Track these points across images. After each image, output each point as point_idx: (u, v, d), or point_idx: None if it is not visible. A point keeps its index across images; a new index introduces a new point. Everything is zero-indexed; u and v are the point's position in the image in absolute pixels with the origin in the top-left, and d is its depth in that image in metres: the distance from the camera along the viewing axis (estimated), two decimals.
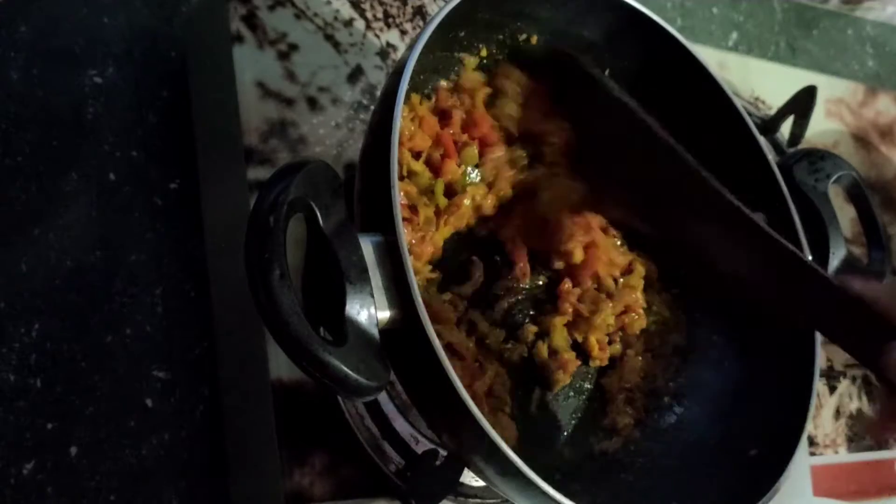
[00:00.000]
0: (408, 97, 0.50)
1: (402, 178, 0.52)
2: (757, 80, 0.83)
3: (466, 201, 0.54)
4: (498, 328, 0.55)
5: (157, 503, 0.57)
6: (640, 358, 0.59)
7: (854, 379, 0.78)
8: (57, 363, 0.56)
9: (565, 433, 0.56)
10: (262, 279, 0.37)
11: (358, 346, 0.39)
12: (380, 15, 0.65)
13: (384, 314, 0.41)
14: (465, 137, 0.55)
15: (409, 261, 0.41)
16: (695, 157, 0.59)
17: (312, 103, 0.60)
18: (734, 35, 0.92)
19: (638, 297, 0.59)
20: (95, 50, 0.62)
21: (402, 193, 0.51)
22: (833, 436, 0.75)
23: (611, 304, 0.58)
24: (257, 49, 0.59)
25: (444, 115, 0.54)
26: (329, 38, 0.62)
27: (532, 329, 0.57)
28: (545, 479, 0.42)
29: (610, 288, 0.59)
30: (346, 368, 0.38)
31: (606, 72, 0.60)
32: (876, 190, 0.86)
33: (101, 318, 0.58)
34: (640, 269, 0.60)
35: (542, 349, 0.56)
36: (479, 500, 0.57)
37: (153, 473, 0.57)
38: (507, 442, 0.41)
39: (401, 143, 0.50)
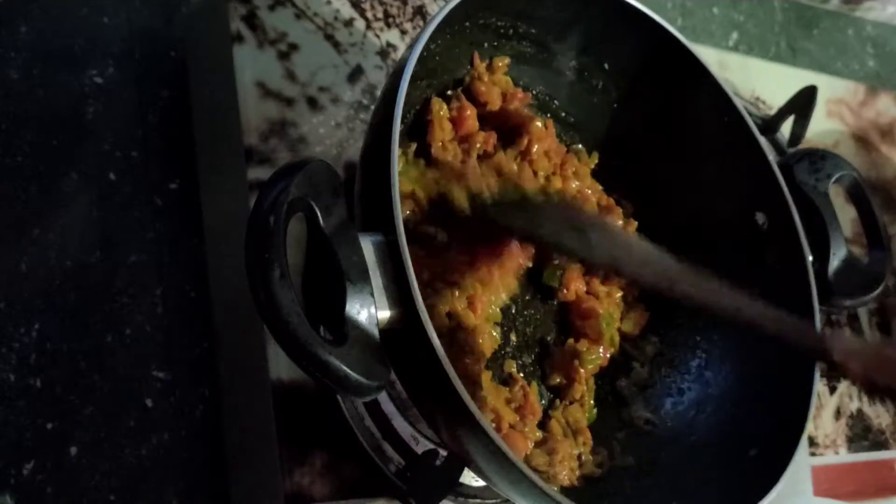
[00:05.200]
0: None
1: None
2: (757, 80, 0.83)
3: None
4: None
5: (156, 503, 0.57)
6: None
7: None
8: (57, 363, 0.56)
9: None
10: (262, 279, 0.37)
11: (358, 345, 0.39)
12: (380, 15, 0.65)
13: (384, 314, 0.41)
14: None
15: (410, 260, 0.41)
16: (695, 158, 0.59)
17: (312, 103, 0.60)
18: (734, 35, 0.92)
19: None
20: (95, 50, 0.62)
21: None
22: (833, 436, 0.75)
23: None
24: (257, 49, 0.59)
25: None
26: (329, 37, 0.62)
27: None
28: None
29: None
30: (346, 368, 0.38)
31: (606, 67, 0.60)
32: (876, 190, 0.86)
33: (101, 318, 0.58)
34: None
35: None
36: (479, 500, 0.57)
37: (153, 473, 0.57)
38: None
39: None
